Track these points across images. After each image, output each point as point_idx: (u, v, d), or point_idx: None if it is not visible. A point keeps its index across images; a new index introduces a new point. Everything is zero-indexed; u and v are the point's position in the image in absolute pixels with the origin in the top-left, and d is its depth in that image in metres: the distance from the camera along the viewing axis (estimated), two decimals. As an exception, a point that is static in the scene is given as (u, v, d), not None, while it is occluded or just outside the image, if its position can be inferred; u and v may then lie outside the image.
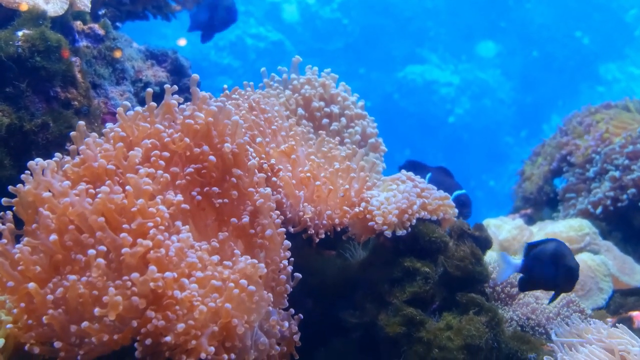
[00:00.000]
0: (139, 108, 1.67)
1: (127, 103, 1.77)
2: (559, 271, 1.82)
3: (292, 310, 1.63)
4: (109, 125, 1.65)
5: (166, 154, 1.60)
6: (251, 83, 2.16)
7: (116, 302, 1.30)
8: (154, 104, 1.68)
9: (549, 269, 1.83)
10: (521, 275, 1.90)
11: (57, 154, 1.57)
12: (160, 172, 1.55)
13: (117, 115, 1.64)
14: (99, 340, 1.31)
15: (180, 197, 1.56)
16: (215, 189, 1.64)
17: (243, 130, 1.86)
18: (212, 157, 1.64)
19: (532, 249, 1.87)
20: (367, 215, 1.89)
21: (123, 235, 1.36)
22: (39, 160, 1.50)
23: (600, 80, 13.40)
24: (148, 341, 1.32)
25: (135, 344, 1.34)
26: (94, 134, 1.60)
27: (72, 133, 1.61)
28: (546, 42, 13.43)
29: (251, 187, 1.65)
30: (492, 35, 13.53)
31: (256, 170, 1.68)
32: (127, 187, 1.45)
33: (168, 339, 1.31)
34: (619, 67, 13.36)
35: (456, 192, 2.37)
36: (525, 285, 1.92)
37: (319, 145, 2.07)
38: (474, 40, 13.53)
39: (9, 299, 1.39)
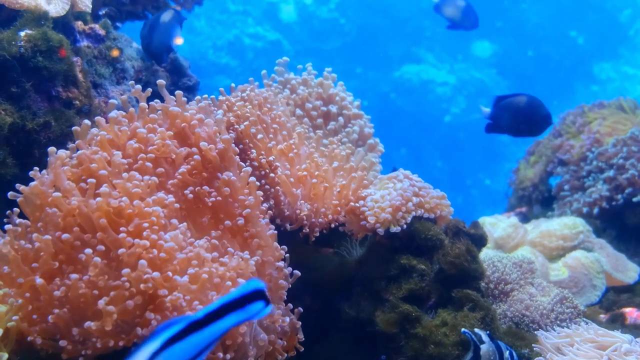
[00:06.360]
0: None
1: (114, 101, 1.79)
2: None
3: (290, 305, 1.65)
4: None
5: (151, 155, 1.60)
6: (256, 83, 2.18)
7: (109, 312, 1.30)
8: (132, 109, 1.69)
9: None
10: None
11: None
12: (147, 177, 1.54)
13: (96, 121, 1.62)
14: (104, 344, 1.33)
15: (172, 197, 1.55)
16: (206, 187, 1.64)
17: (244, 126, 1.87)
18: (197, 157, 1.64)
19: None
20: (361, 215, 1.92)
21: (121, 236, 1.37)
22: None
23: (595, 79, 13.43)
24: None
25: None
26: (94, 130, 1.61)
27: (75, 128, 1.61)
28: (541, 41, 13.45)
29: (241, 193, 1.64)
30: (488, 35, 13.54)
31: (249, 170, 1.68)
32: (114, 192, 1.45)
33: None
34: (613, 67, 13.39)
35: None
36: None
37: (317, 144, 2.10)
38: (469, 40, 13.54)
39: (14, 292, 1.39)
